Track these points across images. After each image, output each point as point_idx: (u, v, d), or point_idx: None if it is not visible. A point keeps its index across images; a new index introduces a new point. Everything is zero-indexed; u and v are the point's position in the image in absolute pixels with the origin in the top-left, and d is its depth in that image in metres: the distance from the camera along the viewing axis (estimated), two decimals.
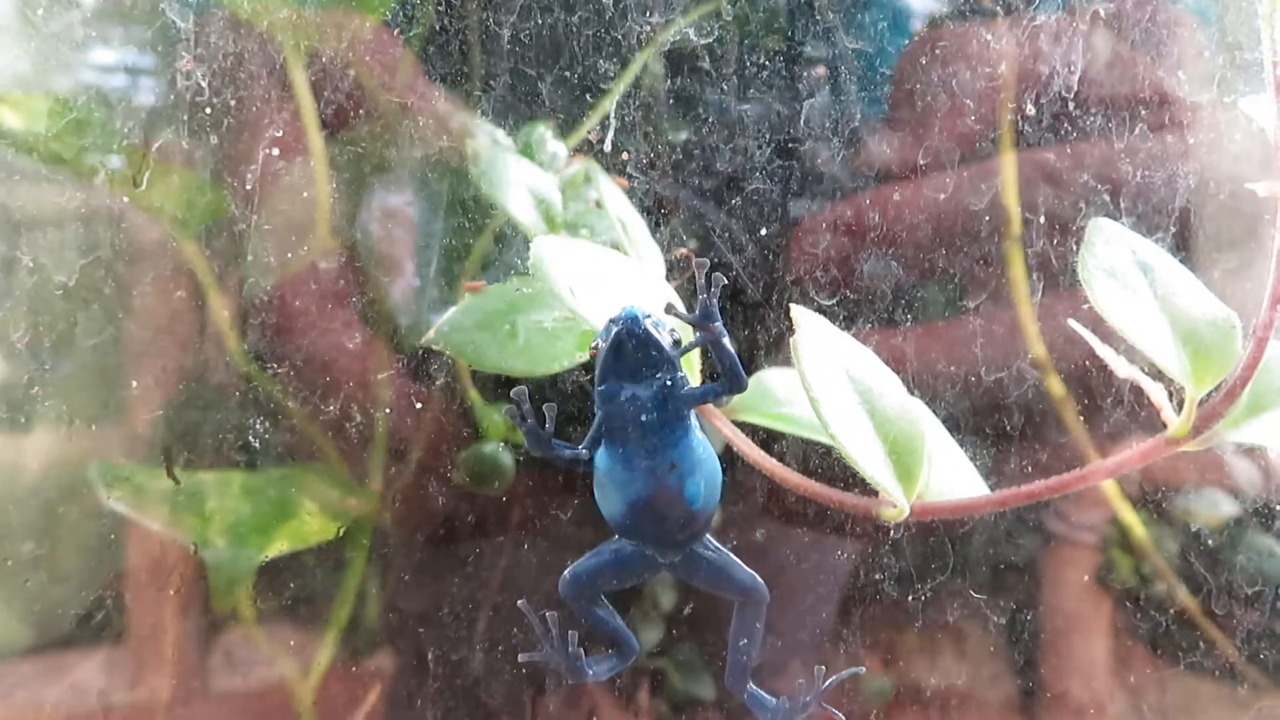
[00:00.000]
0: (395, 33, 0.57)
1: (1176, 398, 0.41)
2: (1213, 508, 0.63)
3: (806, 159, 0.58)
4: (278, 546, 0.58)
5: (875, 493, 0.44)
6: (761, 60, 0.58)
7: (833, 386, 0.41)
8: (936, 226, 0.57)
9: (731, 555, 0.40)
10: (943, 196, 0.57)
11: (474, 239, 0.60)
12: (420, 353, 0.58)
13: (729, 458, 0.49)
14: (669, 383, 0.37)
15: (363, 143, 0.58)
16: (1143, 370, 0.42)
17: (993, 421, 0.58)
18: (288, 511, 0.59)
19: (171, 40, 0.51)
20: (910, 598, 0.59)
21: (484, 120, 0.59)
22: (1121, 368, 0.42)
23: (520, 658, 0.42)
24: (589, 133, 0.50)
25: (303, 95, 0.55)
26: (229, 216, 0.54)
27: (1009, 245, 0.57)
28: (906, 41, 0.59)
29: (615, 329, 0.36)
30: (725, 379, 0.38)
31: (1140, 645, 0.64)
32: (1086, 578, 0.65)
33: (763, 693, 0.43)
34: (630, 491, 0.37)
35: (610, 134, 0.50)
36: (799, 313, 0.42)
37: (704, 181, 0.59)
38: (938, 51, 0.57)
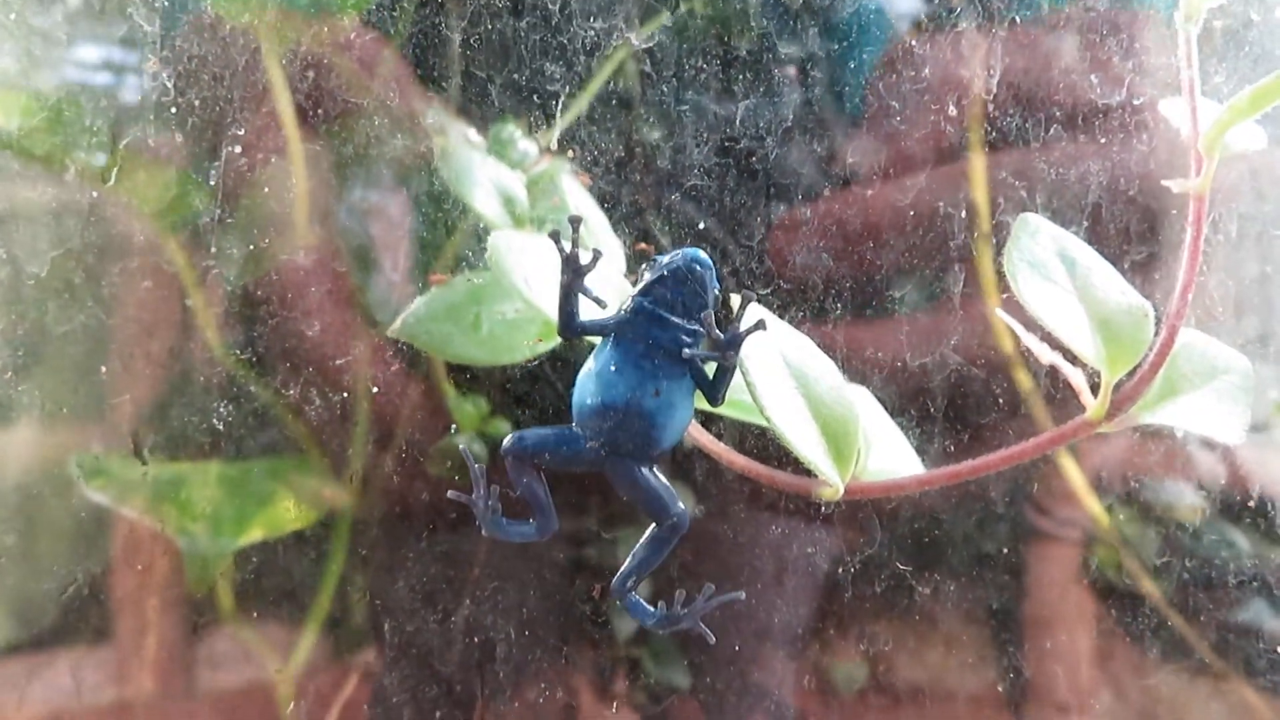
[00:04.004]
0: (375, 31, 0.59)
1: (1094, 382, 0.43)
2: (1185, 502, 0.64)
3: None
4: (253, 534, 0.60)
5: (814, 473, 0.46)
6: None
7: (769, 371, 0.43)
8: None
9: (668, 485, 0.42)
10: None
11: (449, 235, 0.62)
12: (397, 347, 0.60)
13: None
14: (693, 329, 0.40)
15: (341, 139, 0.60)
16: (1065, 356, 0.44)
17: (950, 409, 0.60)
18: (264, 500, 0.61)
19: (149, 41, 0.53)
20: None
21: (457, 118, 0.61)
22: (1045, 354, 0.44)
23: (449, 494, 0.44)
24: (536, 130, 0.52)
25: (280, 92, 0.57)
26: (207, 211, 0.56)
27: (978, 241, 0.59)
28: None
29: (679, 259, 0.40)
30: (713, 389, 0.42)
31: (1123, 641, 0.65)
32: (1069, 574, 0.66)
33: (644, 602, 0.44)
34: (610, 394, 0.40)
35: (557, 127, 0.52)
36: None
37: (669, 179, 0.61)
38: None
